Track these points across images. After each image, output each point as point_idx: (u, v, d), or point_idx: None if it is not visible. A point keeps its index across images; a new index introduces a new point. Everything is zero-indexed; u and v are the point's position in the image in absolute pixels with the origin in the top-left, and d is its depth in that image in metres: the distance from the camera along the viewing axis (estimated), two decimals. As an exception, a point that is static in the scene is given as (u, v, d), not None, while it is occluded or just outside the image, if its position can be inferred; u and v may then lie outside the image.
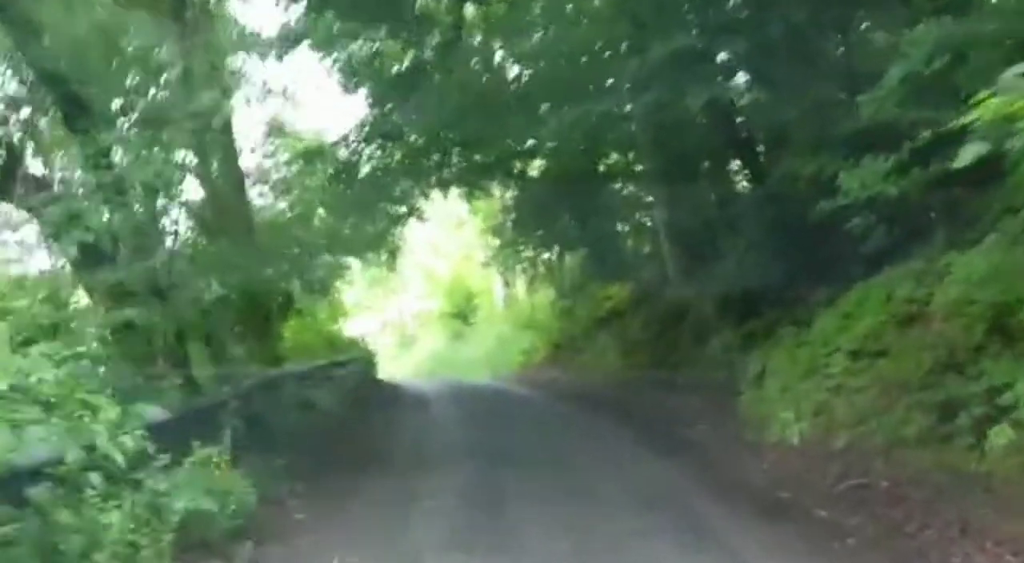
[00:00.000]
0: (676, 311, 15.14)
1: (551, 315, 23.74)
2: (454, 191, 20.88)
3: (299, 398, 10.57)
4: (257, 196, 23.55)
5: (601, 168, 20.06)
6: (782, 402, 8.49)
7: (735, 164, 16.06)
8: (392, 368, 35.36)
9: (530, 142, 18.63)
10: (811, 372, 8.39)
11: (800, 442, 7.79)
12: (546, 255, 22.86)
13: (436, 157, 19.69)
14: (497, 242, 23.66)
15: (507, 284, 32.36)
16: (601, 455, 8.77)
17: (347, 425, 10.93)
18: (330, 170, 18.95)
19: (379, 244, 19.73)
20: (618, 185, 20.11)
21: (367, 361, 19.23)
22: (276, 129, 25.29)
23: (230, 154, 17.92)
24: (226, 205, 18.22)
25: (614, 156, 19.98)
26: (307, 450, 8.65)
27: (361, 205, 18.99)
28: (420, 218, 20.31)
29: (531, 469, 7.97)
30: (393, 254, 20.99)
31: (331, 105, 41.96)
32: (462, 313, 33.41)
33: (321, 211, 20.05)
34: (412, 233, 33.41)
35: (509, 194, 21.44)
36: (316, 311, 20.80)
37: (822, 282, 10.58)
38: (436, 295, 36.59)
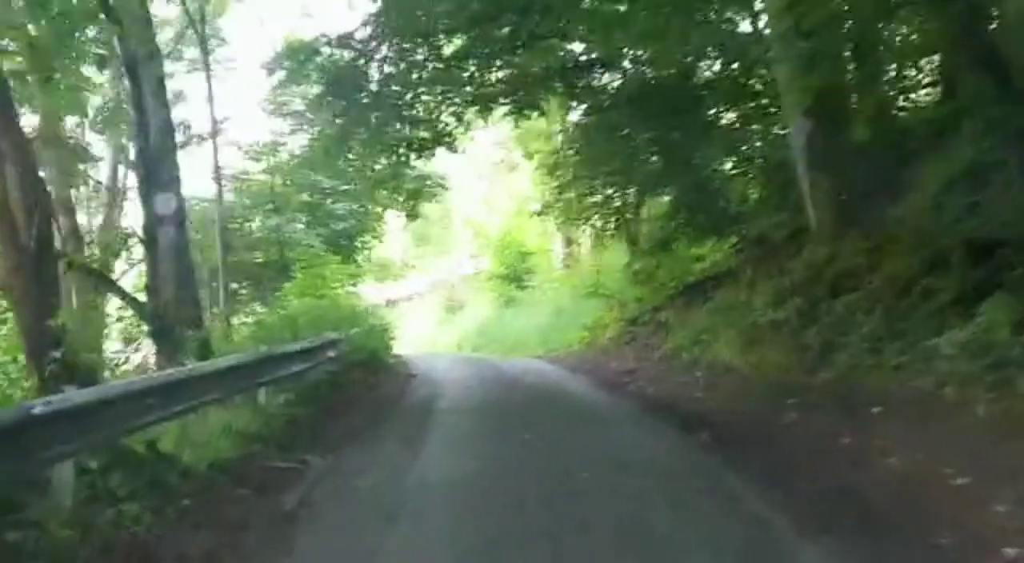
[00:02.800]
0: (829, 282, 9.70)
1: (623, 280, 18.36)
2: (498, 113, 15.58)
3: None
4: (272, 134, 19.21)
5: (696, 81, 14.69)
6: None
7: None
8: (434, 339, 30.48)
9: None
10: None
11: None
12: (618, 202, 17.34)
13: (473, 66, 14.54)
14: (555, 184, 18.16)
15: (569, 242, 27.05)
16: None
17: (236, 495, 5.68)
18: (325, 78, 13.95)
19: (393, 182, 14.56)
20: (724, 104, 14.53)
21: (369, 341, 14.10)
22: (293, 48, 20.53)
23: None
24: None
25: (718, 65, 14.57)
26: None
27: (368, 126, 13.88)
28: (451, 148, 15.10)
29: None
30: (415, 196, 15.75)
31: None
32: (515, 275, 28.19)
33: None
34: (457, 181, 28.37)
35: (572, 117, 16.01)
36: (319, 271, 15.95)
37: None
38: (487, 254, 31.53)
